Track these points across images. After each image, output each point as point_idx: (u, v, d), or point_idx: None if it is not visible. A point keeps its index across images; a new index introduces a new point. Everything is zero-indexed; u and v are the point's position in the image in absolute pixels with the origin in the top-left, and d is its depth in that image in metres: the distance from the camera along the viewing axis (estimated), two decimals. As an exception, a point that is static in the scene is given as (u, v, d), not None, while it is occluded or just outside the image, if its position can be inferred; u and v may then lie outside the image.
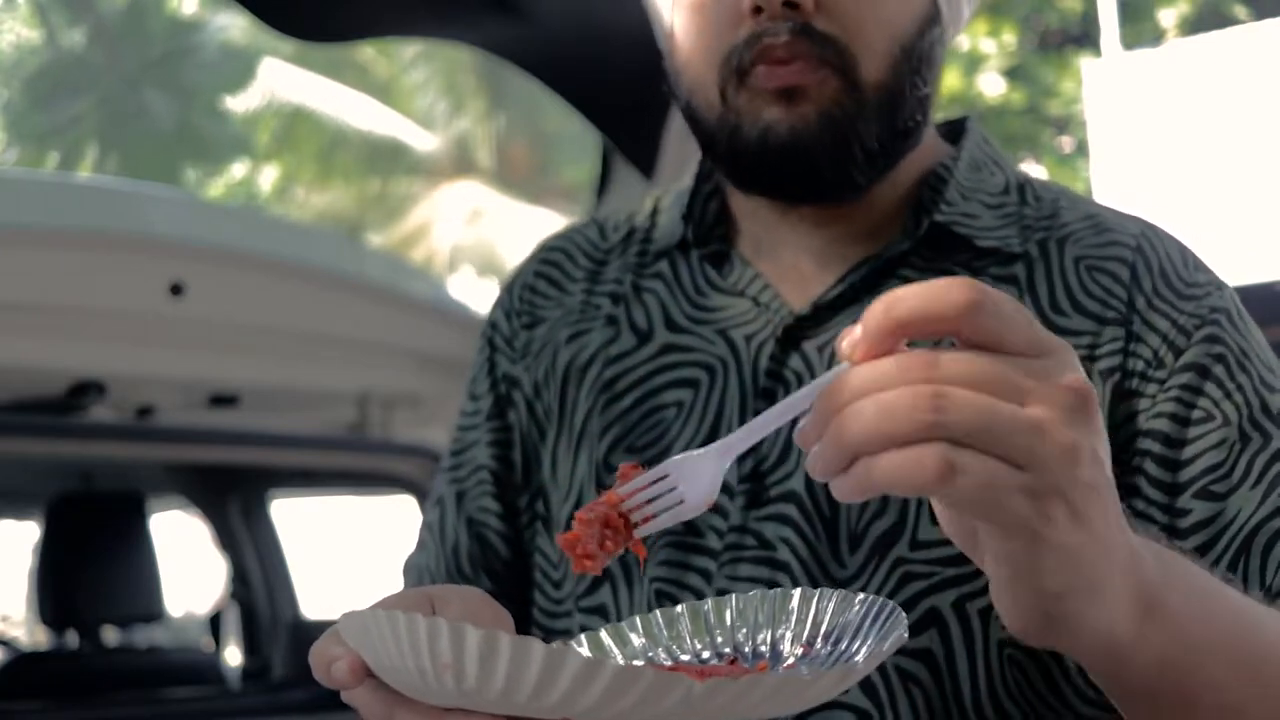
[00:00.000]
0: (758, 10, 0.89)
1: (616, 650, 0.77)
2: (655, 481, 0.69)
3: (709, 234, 1.02)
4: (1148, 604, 0.66)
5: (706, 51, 0.92)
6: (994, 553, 0.62)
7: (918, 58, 0.92)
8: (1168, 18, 13.08)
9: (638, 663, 0.76)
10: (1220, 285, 0.94)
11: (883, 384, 0.59)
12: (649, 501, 0.69)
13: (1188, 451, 0.87)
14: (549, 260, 1.10)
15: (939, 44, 0.95)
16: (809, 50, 0.89)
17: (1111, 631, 0.65)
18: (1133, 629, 0.66)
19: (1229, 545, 0.85)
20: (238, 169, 17.17)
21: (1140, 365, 0.90)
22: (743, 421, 0.95)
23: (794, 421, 0.93)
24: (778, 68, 0.89)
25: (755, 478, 0.93)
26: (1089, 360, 0.90)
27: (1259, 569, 0.84)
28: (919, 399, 0.57)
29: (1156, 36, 12.59)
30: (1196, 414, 0.88)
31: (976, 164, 1.00)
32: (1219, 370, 0.89)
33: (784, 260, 0.99)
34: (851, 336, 0.61)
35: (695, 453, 0.68)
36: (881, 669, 0.88)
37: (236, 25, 15.66)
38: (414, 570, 1.09)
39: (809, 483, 0.92)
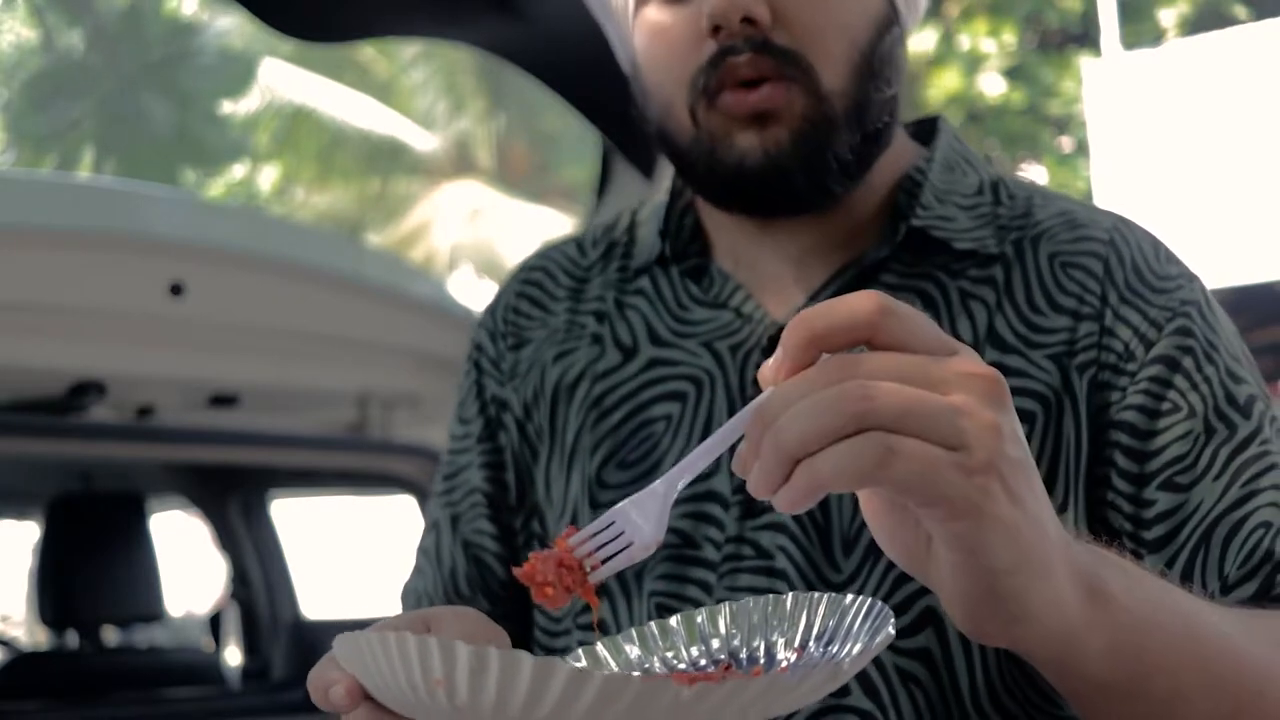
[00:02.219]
0: (716, 29, 0.90)
1: (612, 662, 0.78)
2: (601, 530, 0.70)
3: (686, 248, 1.03)
4: (1091, 586, 0.67)
5: (672, 75, 0.93)
6: (941, 538, 0.63)
7: (879, 60, 0.93)
8: (1168, 18, 13.09)
9: (634, 673, 0.77)
10: (1191, 277, 0.95)
11: (808, 390, 0.61)
12: (596, 550, 0.70)
13: (1155, 443, 0.88)
14: (530, 280, 1.11)
15: (899, 44, 0.96)
16: (771, 66, 0.90)
17: (1062, 613, 0.66)
18: (1082, 612, 0.67)
19: (1190, 536, 0.86)
20: (238, 169, 17.17)
21: (1112, 358, 0.91)
22: None
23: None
24: (746, 94, 0.90)
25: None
26: (1068, 356, 0.91)
27: (1218, 560, 0.86)
28: (846, 393, 0.60)
29: (1156, 36, 12.59)
30: (1165, 405, 0.89)
31: (950, 165, 1.01)
32: (1187, 362, 0.90)
33: (764, 270, 1.00)
34: (774, 360, 0.63)
35: (636, 496, 0.70)
36: (881, 669, 0.89)
37: (235, 29, 15.66)
38: (412, 595, 1.09)
39: None
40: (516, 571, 0.70)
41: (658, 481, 0.70)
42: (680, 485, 0.69)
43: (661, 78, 0.95)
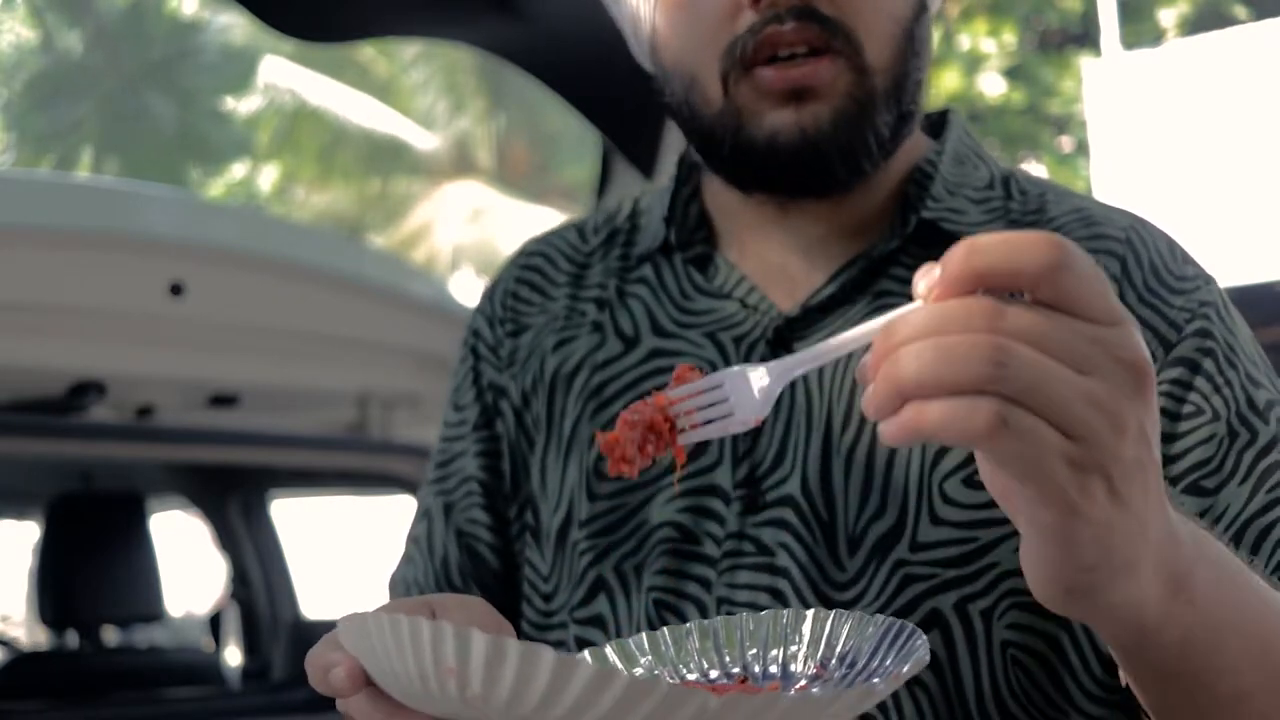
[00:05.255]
0: (757, 0, 0.88)
1: (622, 667, 0.76)
2: (708, 390, 0.67)
3: (691, 237, 1.01)
4: (1178, 583, 0.66)
5: (702, 45, 0.91)
6: (1029, 518, 0.61)
7: (917, 41, 0.92)
8: (1168, 18, 13.09)
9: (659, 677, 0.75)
10: (1208, 278, 0.94)
11: (946, 327, 0.57)
12: (698, 410, 0.67)
13: (1178, 446, 0.87)
14: (530, 265, 1.09)
15: (929, 28, 0.95)
16: (817, 35, 0.87)
17: (1139, 607, 0.64)
18: (1160, 606, 0.65)
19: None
20: (238, 169, 17.18)
21: None
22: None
23: (789, 421, 0.93)
24: (788, 70, 0.88)
25: (751, 483, 0.93)
26: None
27: (1246, 565, 0.85)
28: (980, 349, 0.56)
29: (1156, 36, 12.59)
30: (1187, 408, 0.88)
31: (960, 158, 0.99)
32: (1208, 364, 0.89)
33: (770, 261, 0.98)
34: (929, 277, 0.59)
35: (751, 367, 0.66)
36: None
37: (236, 27, 15.66)
38: (401, 584, 1.07)
39: (805, 486, 0.91)
40: (600, 439, 0.67)
41: (773, 362, 0.66)
42: (794, 375, 0.66)
43: (688, 50, 0.92)
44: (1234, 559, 0.73)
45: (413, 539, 1.08)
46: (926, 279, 0.59)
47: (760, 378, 0.66)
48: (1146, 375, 0.59)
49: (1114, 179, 9.96)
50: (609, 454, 0.67)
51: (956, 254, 0.58)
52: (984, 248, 0.58)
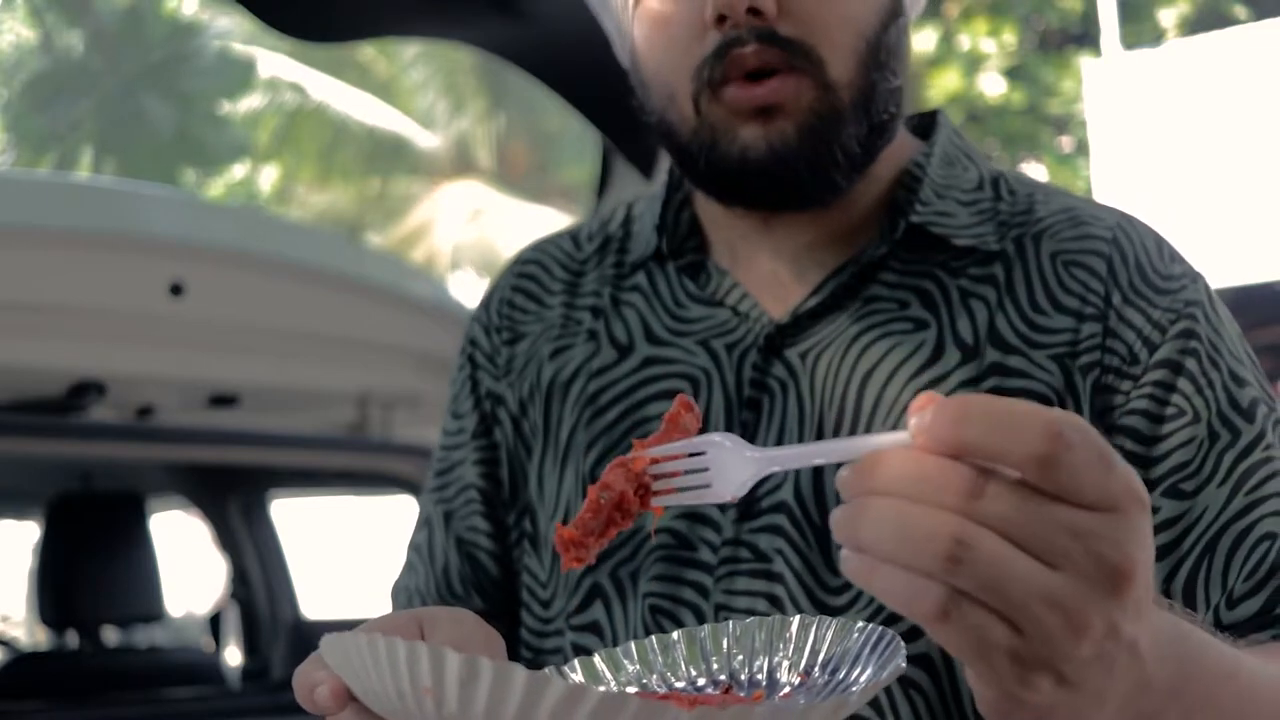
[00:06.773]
0: (721, 20, 0.88)
1: (610, 676, 0.77)
2: (690, 455, 0.66)
3: (683, 245, 1.02)
4: None
5: (675, 65, 0.92)
6: (972, 689, 0.60)
7: (885, 51, 0.92)
8: (1168, 18, 13.09)
9: (631, 689, 0.75)
10: (1195, 276, 0.94)
11: (915, 493, 0.54)
12: (680, 474, 0.66)
13: (1159, 449, 0.88)
14: (525, 274, 1.09)
15: (903, 34, 0.95)
16: (778, 57, 0.88)
17: None
18: None
19: (1194, 545, 0.86)
20: (238, 169, 17.19)
21: (1116, 360, 0.90)
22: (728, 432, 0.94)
23: (781, 426, 0.93)
24: (753, 87, 0.89)
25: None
26: (1071, 357, 0.90)
27: (1222, 571, 0.85)
28: (940, 539, 0.53)
29: (1156, 36, 12.59)
30: (1169, 410, 0.88)
31: (949, 159, 0.99)
32: (1191, 364, 0.89)
33: (761, 268, 0.98)
34: (920, 417, 0.55)
35: (741, 447, 0.64)
36: None
37: (235, 30, 15.66)
38: (403, 593, 1.08)
39: (798, 493, 0.91)
40: (556, 536, 0.66)
41: (762, 451, 0.64)
42: (778, 468, 0.64)
43: (663, 69, 0.93)
44: (1226, 674, 0.68)
45: (414, 547, 1.09)
46: (919, 416, 0.55)
47: (744, 460, 0.64)
48: (1127, 576, 0.55)
49: (1114, 179, 9.96)
50: (563, 552, 0.66)
51: (949, 413, 0.54)
52: (974, 420, 0.54)
